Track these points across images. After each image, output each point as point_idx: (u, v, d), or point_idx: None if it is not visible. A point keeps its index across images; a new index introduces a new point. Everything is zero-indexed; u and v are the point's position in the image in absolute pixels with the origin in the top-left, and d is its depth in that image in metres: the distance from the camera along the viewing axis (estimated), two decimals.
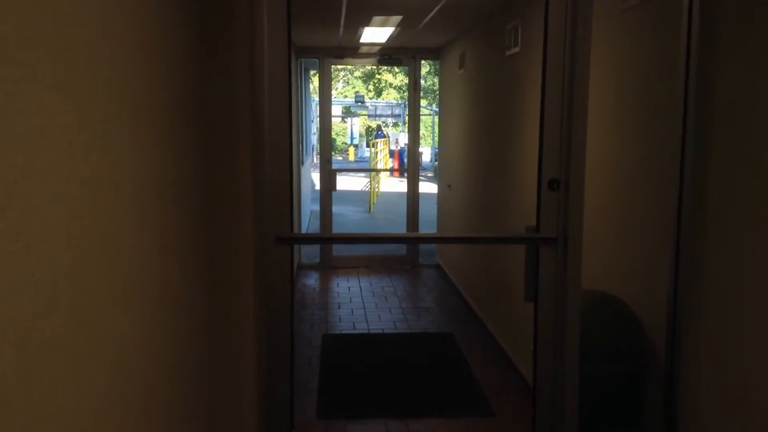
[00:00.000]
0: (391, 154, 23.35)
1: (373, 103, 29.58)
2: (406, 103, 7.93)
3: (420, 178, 8.08)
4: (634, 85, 3.10)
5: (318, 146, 11.47)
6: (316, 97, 10.61)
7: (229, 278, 2.34)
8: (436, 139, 19.36)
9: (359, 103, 28.37)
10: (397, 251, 8.03)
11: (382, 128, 28.29)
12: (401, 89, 27.66)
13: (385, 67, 23.63)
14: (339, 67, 22.46)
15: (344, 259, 7.90)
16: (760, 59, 2.18)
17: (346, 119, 30.60)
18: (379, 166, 19.16)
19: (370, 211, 13.58)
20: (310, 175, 13.15)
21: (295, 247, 7.31)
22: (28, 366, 0.91)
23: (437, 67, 9.37)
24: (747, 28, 2.26)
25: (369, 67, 25.77)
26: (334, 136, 29.51)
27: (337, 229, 9.97)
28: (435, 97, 23.07)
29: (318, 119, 11.59)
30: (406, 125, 8.27)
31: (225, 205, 2.32)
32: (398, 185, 17.46)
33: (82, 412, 1.11)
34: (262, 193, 2.49)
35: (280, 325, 2.64)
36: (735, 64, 2.33)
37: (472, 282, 6.13)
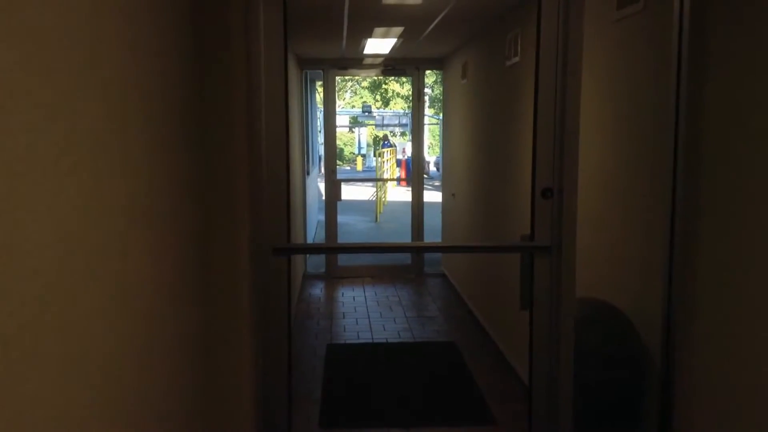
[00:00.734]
0: (398, 163, 23.36)
1: (381, 113, 29.66)
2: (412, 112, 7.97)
3: (426, 187, 8.09)
4: (626, 94, 3.13)
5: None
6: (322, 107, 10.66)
7: (225, 289, 2.36)
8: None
9: (367, 113, 28.47)
10: (403, 260, 8.04)
11: (389, 138, 28.35)
12: (408, 99, 27.71)
13: (392, 77, 23.69)
14: (346, 77, 22.53)
15: (350, 268, 7.93)
16: (750, 66, 2.20)
17: (353, 129, 30.70)
18: (386, 175, 19.18)
19: (376, 220, 13.61)
20: (317, 185, 13.19)
21: (301, 257, 7.33)
22: (11, 375, 0.94)
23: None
24: (737, 34, 2.28)
25: (376, 77, 25.87)
26: (342, 146, 29.61)
27: (343, 238, 10.00)
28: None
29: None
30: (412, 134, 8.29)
31: (221, 216, 2.33)
32: (405, 195, 17.47)
33: (67, 423, 1.14)
34: (258, 204, 2.52)
35: (277, 336, 2.66)
36: (725, 73, 2.34)
37: (475, 290, 6.14)
